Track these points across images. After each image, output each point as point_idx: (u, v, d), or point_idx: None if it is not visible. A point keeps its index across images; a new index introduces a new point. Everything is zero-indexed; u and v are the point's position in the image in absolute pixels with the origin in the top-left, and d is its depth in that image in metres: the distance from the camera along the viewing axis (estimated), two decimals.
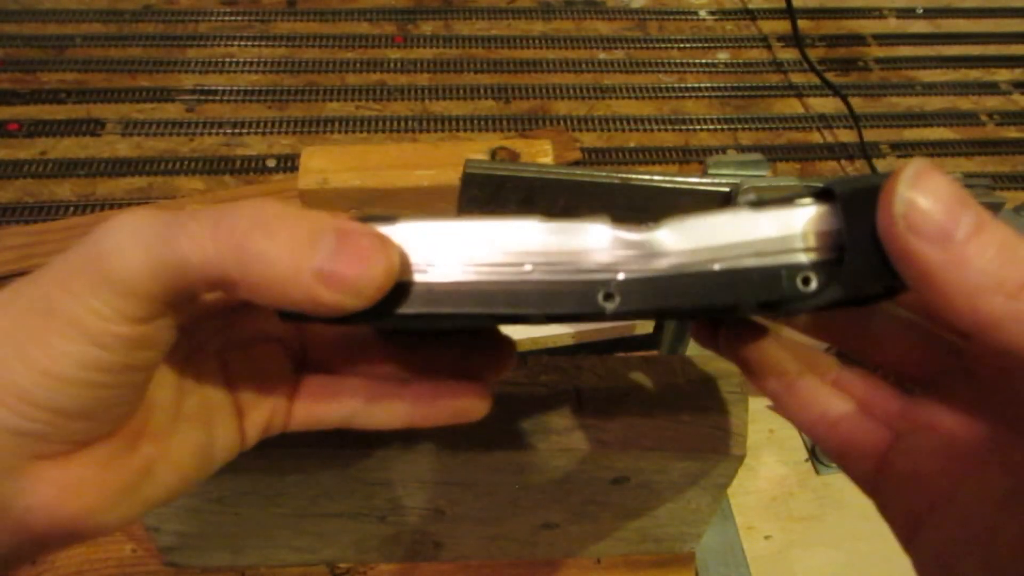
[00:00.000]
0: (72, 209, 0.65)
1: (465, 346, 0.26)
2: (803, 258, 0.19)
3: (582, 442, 0.34)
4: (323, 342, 0.27)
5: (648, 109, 0.79)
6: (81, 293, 0.19)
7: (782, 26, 0.89)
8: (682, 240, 0.20)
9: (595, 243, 0.20)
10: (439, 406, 0.25)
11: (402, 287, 0.19)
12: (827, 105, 0.80)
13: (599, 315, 0.19)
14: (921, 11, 0.94)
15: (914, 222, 0.17)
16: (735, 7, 0.93)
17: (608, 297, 0.19)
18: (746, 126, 0.78)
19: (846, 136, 0.77)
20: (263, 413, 0.25)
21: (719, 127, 0.77)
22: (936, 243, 0.17)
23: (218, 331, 0.25)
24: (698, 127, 0.77)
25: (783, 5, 0.88)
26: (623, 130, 0.76)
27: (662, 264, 0.20)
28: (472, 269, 0.20)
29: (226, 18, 0.86)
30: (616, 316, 0.19)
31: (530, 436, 0.35)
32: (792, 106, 0.81)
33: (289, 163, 0.69)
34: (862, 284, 0.19)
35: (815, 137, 0.77)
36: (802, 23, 0.89)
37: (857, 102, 0.79)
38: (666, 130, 0.76)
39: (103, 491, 0.21)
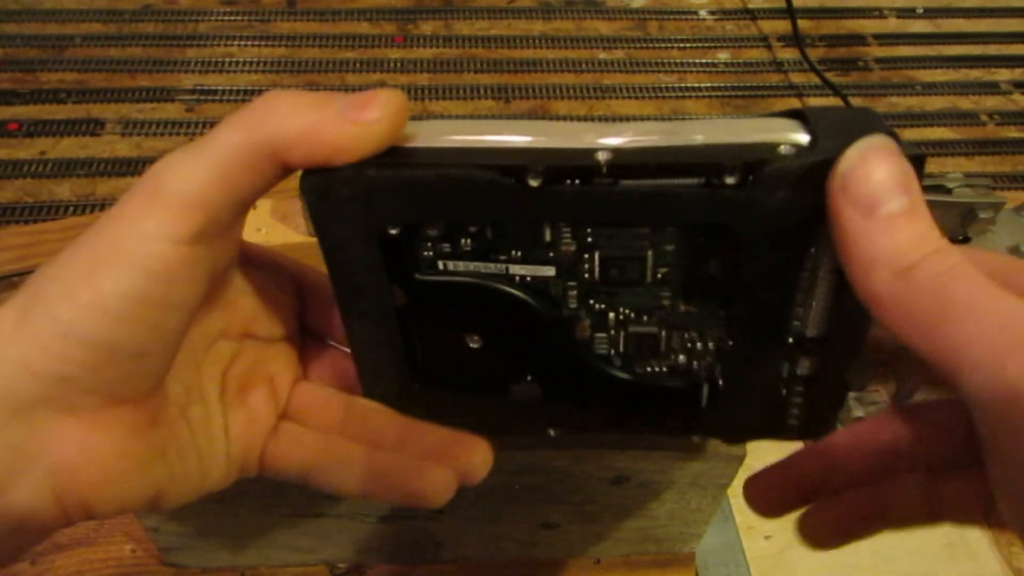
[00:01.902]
0: (71, 209, 0.64)
1: (445, 441, 0.26)
2: (779, 138, 0.21)
3: (582, 442, 0.34)
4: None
5: (648, 109, 0.79)
6: (132, 216, 0.20)
7: (782, 26, 0.89)
8: (667, 126, 0.21)
9: (589, 128, 0.22)
10: (392, 483, 0.25)
11: (412, 151, 0.21)
12: (827, 105, 0.80)
13: (595, 168, 0.20)
14: (921, 11, 0.94)
15: (849, 184, 0.18)
16: (735, 7, 0.93)
17: (603, 152, 0.20)
18: None
19: None
20: (245, 447, 0.26)
21: None
22: (860, 210, 0.18)
23: (226, 347, 0.26)
24: None
25: (783, 5, 0.88)
26: None
27: (651, 139, 0.21)
28: (477, 139, 0.22)
29: (226, 18, 0.86)
30: (610, 171, 0.20)
31: (530, 436, 0.35)
32: (792, 106, 0.81)
33: None
34: (835, 153, 0.19)
35: None
36: (802, 23, 0.89)
37: (857, 102, 0.79)
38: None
39: (122, 460, 0.21)
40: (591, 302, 0.25)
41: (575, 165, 0.21)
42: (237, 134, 0.21)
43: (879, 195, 0.18)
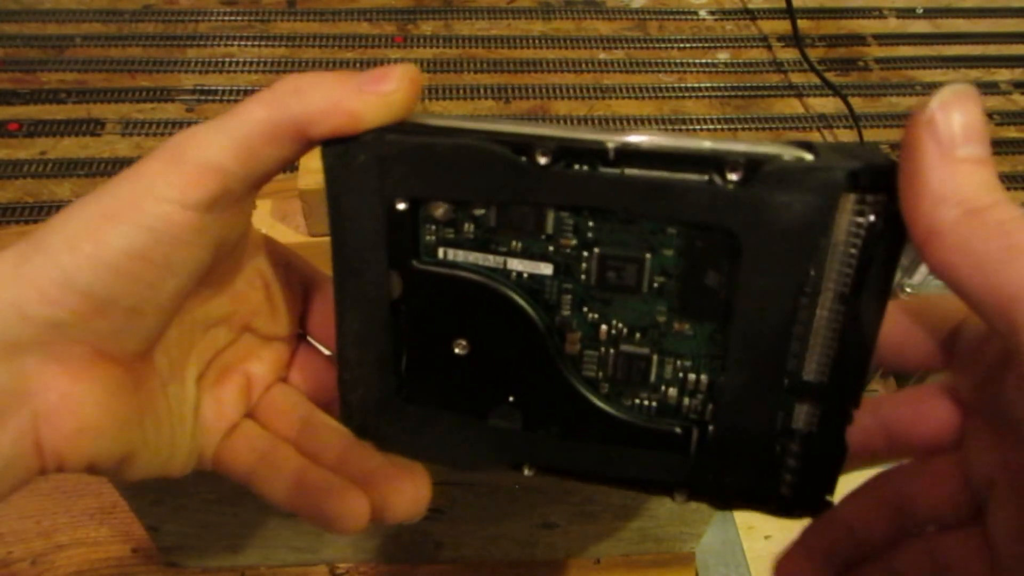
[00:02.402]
0: None
1: (380, 470, 0.25)
2: (783, 151, 0.21)
3: None
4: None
5: (648, 109, 0.79)
6: (146, 176, 0.21)
7: (782, 26, 0.89)
8: (677, 135, 0.22)
9: (602, 129, 0.22)
10: (309, 500, 0.25)
11: (429, 126, 0.23)
12: (827, 105, 0.80)
13: (603, 153, 0.21)
14: (921, 11, 0.94)
15: (935, 120, 0.19)
16: (735, 7, 0.93)
17: (611, 142, 0.21)
18: (746, 126, 0.78)
19: (846, 136, 0.77)
20: (205, 438, 0.26)
21: (719, 127, 0.77)
22: (941, 147, 0.18)
23: (223, 335, 0.26)
24: (698, 127, 0.77)
25: (783, 5, 0.88)
26: (623, 130, 0.76)
27: (660, 139, 0.21)
28: (492, 125, 0.22)
29: (226, 18, 0.86)
30: (618, 156, 0.21)
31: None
32: (792, 106, 0.81)
33: None
34: (836, 164, 0.20)
35: (815, 137, 0.77)
36: (802, 23, 0.89)
37: (857, 102, 0.79)
38: (666, 130, 0.76)
39: (99, 415, 0.21)
40: (584, 309, 0.24)
41: (583, 148, 0.21)
42: (261, 109, 0.22)
43: (963, 137, 0.18)
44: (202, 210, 0.21)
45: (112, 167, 0.68)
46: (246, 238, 0.26)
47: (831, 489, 0.23)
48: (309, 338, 0.29)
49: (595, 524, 0.41)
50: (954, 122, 0.19)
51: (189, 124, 0.72)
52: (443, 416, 0.25)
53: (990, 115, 0.80)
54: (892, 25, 0.93)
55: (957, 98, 0.19)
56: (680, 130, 0.77)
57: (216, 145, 0.22)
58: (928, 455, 0.23)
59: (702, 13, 0.92)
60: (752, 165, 0.20)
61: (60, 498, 0.44)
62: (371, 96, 0.22)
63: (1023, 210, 0.18)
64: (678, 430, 0.24)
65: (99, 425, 0.22)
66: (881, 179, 0.20)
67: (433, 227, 0.24)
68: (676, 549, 0.44)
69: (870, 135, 0.76)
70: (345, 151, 0.23)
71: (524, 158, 0.21)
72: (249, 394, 0.27)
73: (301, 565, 0.43)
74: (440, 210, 0.23)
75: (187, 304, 0.24)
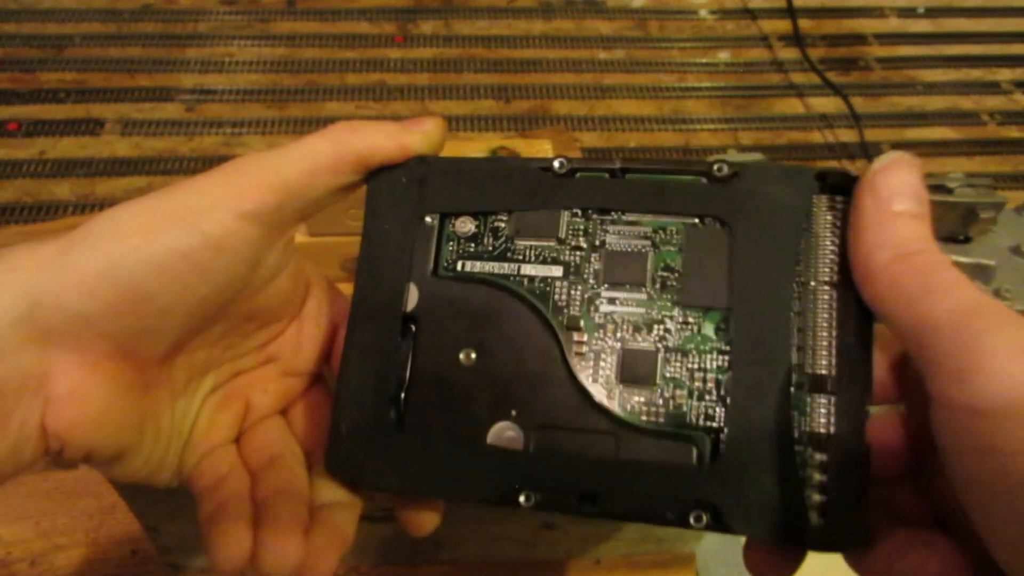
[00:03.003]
0: (71, 209, 0.65)
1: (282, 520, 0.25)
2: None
3: None
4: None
5: (648, 109, 0.79)
6: (206, 186, 0.23)
7: (783, 25, 0.89)
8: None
9: None
10: (209, 531, 0.24)
11: (453, 158, 0.27)
12: (828, 105, 0.80)
13: (608, 168, 0.26)
14: (922, 10, 0.94)
15: (876, 180, 0.22)
16: (736, 6, 0.93)
17: (617, 160, 0.26)
18: (747, 126, 0.78)
19: (847, 136, 0.77)
20: (190, 455, 0.26)
21: (719, 127, 0.77)
22: (879, 202, 0.22)
23: (248, 363, 0.27)
24: (698, 127, 0.77)
25: (784, 4, 0.88)
26: (623, 130, 0.76)
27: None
28: None
29: (226, 18, 0.86)
30: (622, 169, 0.26)
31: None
32: (793, 106, 0.81)
33: None
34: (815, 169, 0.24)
35: (816, 137, 0.77)
36: (803, 22, 0.89)
37: (858, 102, 0.79)
38: (666, 130, 0.76)
39: (102, 411, 0.22)
40: (591, 308, 0.25)
41: (593, 166, 0.26)
42: (324, 143, 0.24)
43: (897, 194, 0.21)
44: (251, 221, 0.23)
45: (111, 167, 0.68)
46: (290, 270, 0.26)
47: (863, 502, 0.22)
48: (327, 375, 0.29)
49: (595, 524, 0.41)
50: (892, 181, 0.22)
51: (189, 124, 0.72)
52: (439, 444, 0.25)
53: (991, 115, 0.80)
54: (893, 24, 0.93)
55: (896, 162, 0.22)
56: (680, 130, 0.77)
57: (279, 165, 0.23)
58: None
59: (702, 13, 0.92)
60: (738, 165, 0.24)
61: (60, 498, 0.44)
62: (415, 132, 0.26)
63: (949, 257, 0.21)
64: (688, 435, 0.23)
65: (99, 421, 0.22)
66: (847, 183, 0.23)
67: (454, 244, 0.26)
68: (676, 549, 0.44)
69: (871, 135, 0.76)
70: (390, 175, 0.26)
71: (543, 169, 0.26)
72: (244, 421, 0.27)
73: None
74: (465, 226, 0.26)
75: (227, 331, 0.25)
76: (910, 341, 0.20)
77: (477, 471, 0.24)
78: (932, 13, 0.94)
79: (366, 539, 0.41)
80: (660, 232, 0.25)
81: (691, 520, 0.22)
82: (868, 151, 0.74)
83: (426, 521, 0.26)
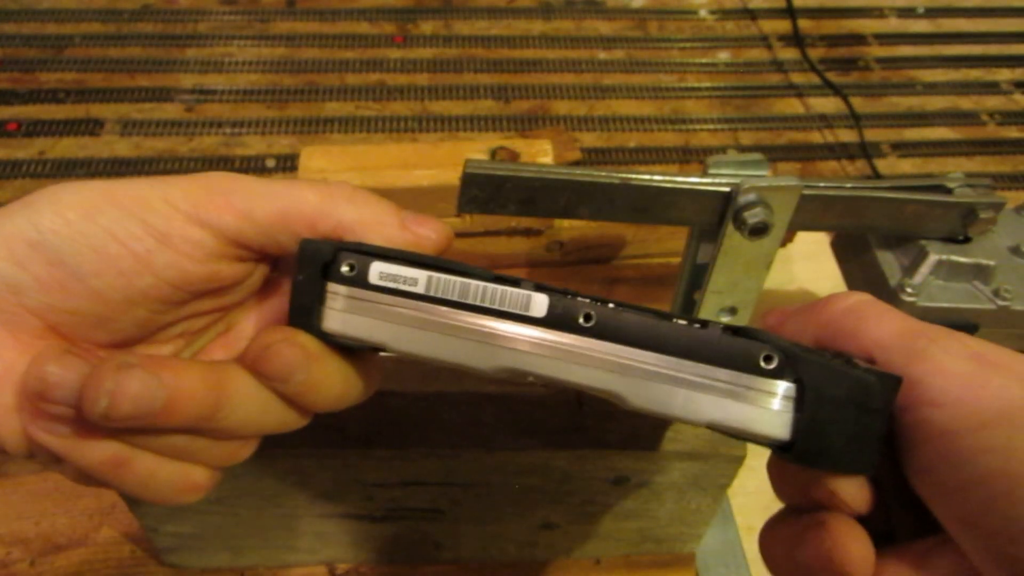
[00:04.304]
0: None
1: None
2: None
3: (582, 442, 0.34)
4: None
5: (648, 109, 0.79)
6: (168, 182, 0.22)
7: (782, 26, 0.89)
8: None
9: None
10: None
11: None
12: (828, 105, 0.80)
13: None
14: (922, 11, 0.94)
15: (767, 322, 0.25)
16: (735, 7, 0.93)
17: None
18: (746, 126, 0.78)
19: (847, 136, 0.77)
20: None
21: (719, 127, 0.77)
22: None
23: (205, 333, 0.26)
24: (698, 127, 0.77)
25: (783, 5, 0.88)
26: (623, 130, 0.76)
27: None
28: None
29: (225, 18, 0.86)
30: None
31: (530, 436, 0.34)
32: (792, 106, 0.81)
33: (288, 163, 0.69)
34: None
35: (815, 137, 0.77)
36: (802, 22, 0.89)
37: (858, 102, 0.79)
38: (666, 130, 0.76)
39: None
40: None
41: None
42: (314, 195, 0.23)
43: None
44: (206, 230, 0.22)
45: (111, 167, 0.68)
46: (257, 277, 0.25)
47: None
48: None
49: (595, 524, 0.41)
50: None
51: (188, 124, 0.72)
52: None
53: (991, 115, 0.80)
54: (893, 25, 0.93)
55: None
56: (680, 130, 0.76)
57: (252, 193, 0.22)
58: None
59: (702, 13, 0.92)
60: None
61: (59, 499, 0.44)
62: (409, 235, 0.24)
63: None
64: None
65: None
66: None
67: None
68: (676, 550, 0.44)
69: (871, 135, 0.76)
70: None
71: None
72: (235, 348, 0.26)
73: (301, 565, 0.43)
74: None
75: (182, 307, 0.24)
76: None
77: (478, 268, 0.22)
78: (932, 13, 0.94)
79: (366, 539, 0.41)
80: None
81: (761, 361, 0.21)
82: (868, 151, 0.74)
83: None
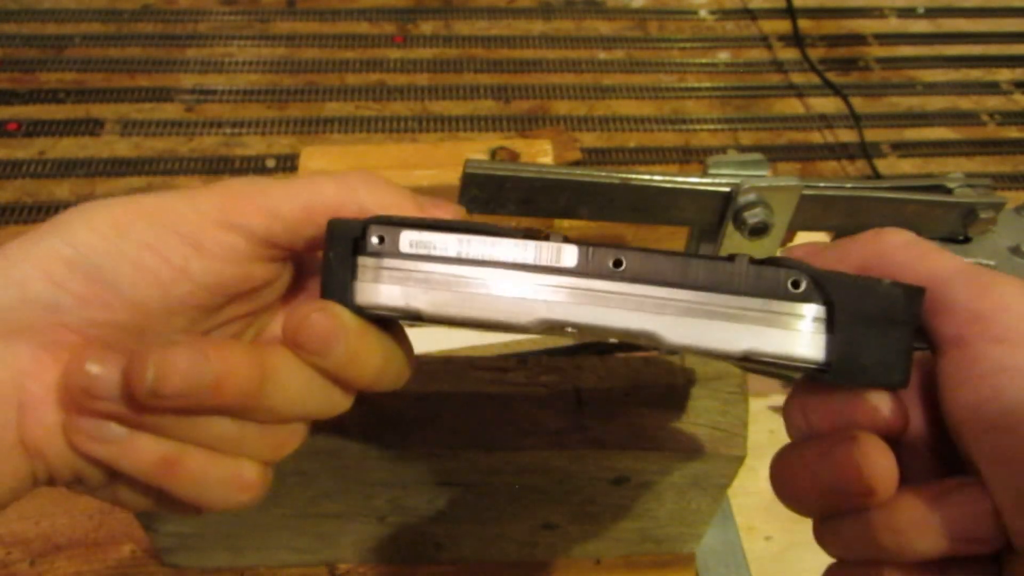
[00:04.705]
0: None
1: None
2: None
3: (582, 442, 0.34)
4: None
5: (648, 109, 0.79)
6: (195, 194, 0.22)
7: (783, 26, 0.89)
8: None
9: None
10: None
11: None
12: (828, 105, 0.80)
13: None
14: (922, 11, 0.94)
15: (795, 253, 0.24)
16: (735, 7, 0.93)
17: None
18: (746, 126, 0.78)
19: (847, 136, 0.77)
20: None
21: (719, 127, 0.77)
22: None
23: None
24: (698, 127, 0.77)
25: (783, 5, 0.88)
26: (623, 130, 0.76)
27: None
28: None
29: (225, 18, 0.86)
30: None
31: (530, 436, 0.34)
32: (792, 106, 0.81)
33: (288, 163, 0.69)
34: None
35: (816, 137, 0.77)
36: (802, 23, 0.89)
37: (858, 102, 0.79)
38: (666, 130, 0.76)
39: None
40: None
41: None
42: (333, 187, 0.23)
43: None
44: (237, 233, 0.22)
45: (111, 167, 0.68)
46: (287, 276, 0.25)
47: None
48: None
49: (595, 524, 0.41)
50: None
51: (188, 124, 0.72)
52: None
53: (991, 115, 0.80)
54: (893, 25, 0.92)
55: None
56: (680, 130, 0.76)
57: (275, 192, 0.23)
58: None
59: (702, 13, 0.92)
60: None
61: (59, 499, 0.44)
62: (426, 215, 0.24)
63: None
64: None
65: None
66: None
67: None
68: (676, 550, 0.44)
69: (871, 135, 0.76)
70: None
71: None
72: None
73: (301, 566, 0.43)
74: None
75: (217, 313, 0.24)
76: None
77: (504, 227, 0.23)
78: (932, 13, 0.94)
79: (366, 539, 0.41)
80: None
81: (789, 286, 0.21)
82: (868, 151, 0.74)
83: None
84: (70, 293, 0.20)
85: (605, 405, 0.35)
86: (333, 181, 0.23)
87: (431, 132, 0.74)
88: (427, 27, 0.87)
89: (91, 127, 0.72)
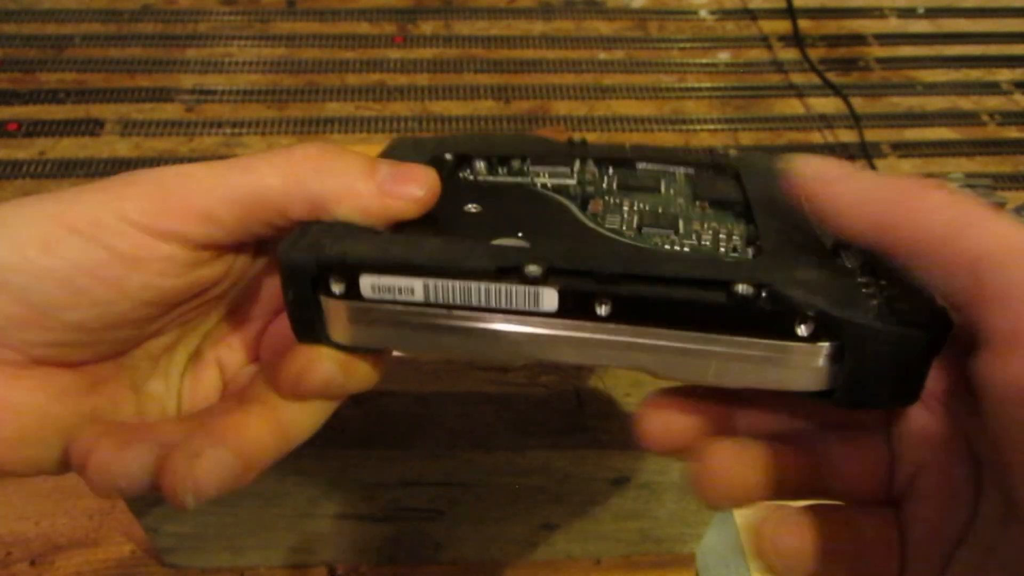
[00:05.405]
0: None
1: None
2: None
3: (582, 442, 0.34)
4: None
5: (648, 109, 0.79)
6: (121, 195, 0.20)
7: (783, 26, 0.89)
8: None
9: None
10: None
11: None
12: (828, 105, 0.80)
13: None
14: (922, 11, 0.94)
15: (804, 170, 0.21)
16: (735, 7, 0.93)
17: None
18: (746, 126, 0.78)
19: (847, 136, 0.77)
20: None
21: (719, 127, 0.77)
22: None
23: (198, 333, 0.26)
24: (698, 127, 0.77)
25: (783, 5, 0.88)
26: (623, 130, 0.76)
27: None
28: None
29: (226, 18, 0.86)
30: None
31: (530, 436, 0.34)
32: (793, 106, 0.81)
33: None
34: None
35: (816, 137, 0.77)
36: (803, 23, 0.89)
37: (858, 102, 0.79)
38: (666, 130, 0.76)
39: (40, 423, 0.20)
40: (607, 196, 0.26)
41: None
42: (276, 178, 0.21)
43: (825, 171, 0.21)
44: (172, 240, 0.20)
45: (111, 167, 0.68)
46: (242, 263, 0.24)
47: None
48: None
49: (595, 524, 0.41)
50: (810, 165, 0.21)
51: (189, 124, 0.72)
52: (429, 240, 0.21)
53: (991, 115, 0.80)
54: (893, 25, 0.92)
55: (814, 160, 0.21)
56: (680, 130, 0.76)
57: (211, 193, 0.20)
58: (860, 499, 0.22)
59: (702, 13, 0.92)
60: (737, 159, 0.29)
61: (59, 499, 0.44)
62: (390, 201, 0.21)
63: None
64: (720, 282, 0.20)
65: (40, 435, 0.20)
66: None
67: (470, 174, 0.27)
68: (676, 550, 0.44)
69: (871, 135, 0.76)
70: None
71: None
72: (224, 378, 0.26)
73: (300, 566, 0.43)
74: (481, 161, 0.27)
75: (181, 316, 0.23)
76: (956, 275, 0.17)
77: (474, 251, 0.20)
78: (932, 13, 0.94)
79: (366, 539, 0.41)
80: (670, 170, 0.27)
81: (739, 289, 0.19)
82: (868, 151, 0.74)
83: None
84: (2, 316, 0.19)
85: (605, 405, 0.35)
86: (277, 173, 0.20)
87: (431, 132, 0.74)
88: (427, 27, 0.87)
89: (91, 127, 0.72)
